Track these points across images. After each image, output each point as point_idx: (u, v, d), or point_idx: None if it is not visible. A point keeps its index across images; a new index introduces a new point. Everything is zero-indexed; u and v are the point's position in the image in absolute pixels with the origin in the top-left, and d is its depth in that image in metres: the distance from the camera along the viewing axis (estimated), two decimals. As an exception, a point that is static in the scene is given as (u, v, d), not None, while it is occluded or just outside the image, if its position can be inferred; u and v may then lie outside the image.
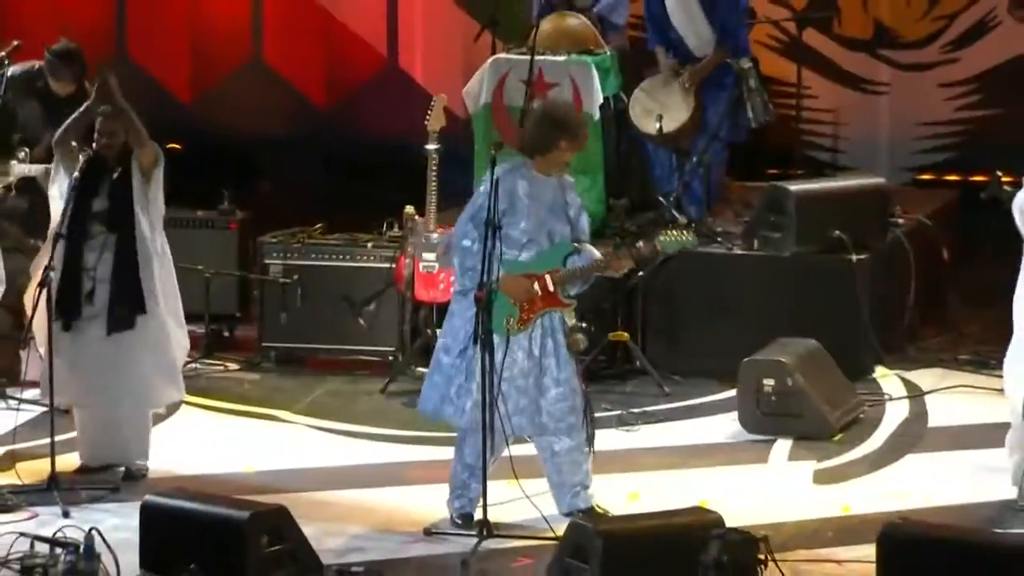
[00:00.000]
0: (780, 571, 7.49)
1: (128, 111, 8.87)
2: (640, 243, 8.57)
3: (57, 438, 8.76)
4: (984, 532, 7.96)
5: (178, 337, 9.14)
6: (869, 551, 7.50)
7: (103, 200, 8.96)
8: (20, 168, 10.05)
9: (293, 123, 13.88)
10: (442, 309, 10.30)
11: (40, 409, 9.41)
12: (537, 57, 10.53)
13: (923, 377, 10.38)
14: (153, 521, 7.79)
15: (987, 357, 10.13)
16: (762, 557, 7.43)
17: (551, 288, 8.25)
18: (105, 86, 8.88)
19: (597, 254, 8.34)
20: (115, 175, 8.94)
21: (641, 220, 10.90)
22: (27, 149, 10.02)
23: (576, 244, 8.33)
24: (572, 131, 8.36)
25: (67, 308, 8.93)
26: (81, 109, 8.98)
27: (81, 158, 8.90)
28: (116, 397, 9.02)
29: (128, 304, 8.92)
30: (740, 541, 7.41)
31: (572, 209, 8.39)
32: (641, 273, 10.39)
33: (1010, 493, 8.49)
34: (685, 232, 8.55)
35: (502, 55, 10.93)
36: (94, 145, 8.92)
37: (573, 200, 8.41)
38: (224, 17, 14.04)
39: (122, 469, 9.04)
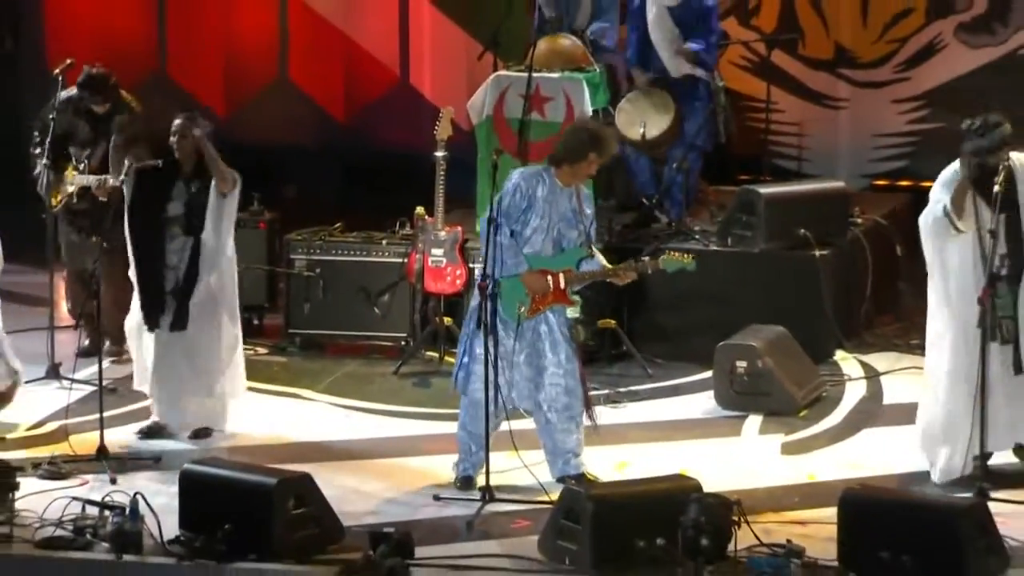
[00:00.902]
0: (752, 531, 7.51)
1: (216, 157, 8.98)
2: (645, 259, 8.72)
3: (105, 414, 8.80)
4: (932, 496, 8.01)
5: (237, 340, 9.25)
6: (831, 513, 7.55)
7: (179, 206, 9.04)
8: (80, 178, 10.09)
9: (315, 135, 13.86)
10: (449, 300, 10.40)
11: (90, 388, 9.41)
12: (534, 74, 10.47)
13: (879, 360, 10.36)
14: (191, 487, 7.84)
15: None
16: (736, 518, 7.48)
17: (562, 286, 8.34)
18: (194, 141, 8.99)
19: (605, 262, 8.45)
20: (193, 188, 9.02)
21: (626, 219, 10.86)
22: (86, 160, 10.04)
23: (591, 250, 8.39)
24: (602, 146, 8.41)
25: (151, 307, 9.03)
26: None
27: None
28: (185, 388, 9.11)
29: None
30: (716, 504, 7.45)
31: (586, 219, 8.43)
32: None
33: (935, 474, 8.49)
34: (687, 256, 8.57)
35: (503, 72, 10.87)
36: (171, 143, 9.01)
37: (587, 211, 8.45)
38: (254, 40, 14.03)
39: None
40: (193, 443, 9.06)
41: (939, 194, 8.40)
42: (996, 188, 8.16)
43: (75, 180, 10.12)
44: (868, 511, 7.43)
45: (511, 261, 8.28)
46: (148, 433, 9.15)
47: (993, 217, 8.21)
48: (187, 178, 9.04)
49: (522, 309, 8.28)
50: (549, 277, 8.30)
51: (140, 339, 9.18)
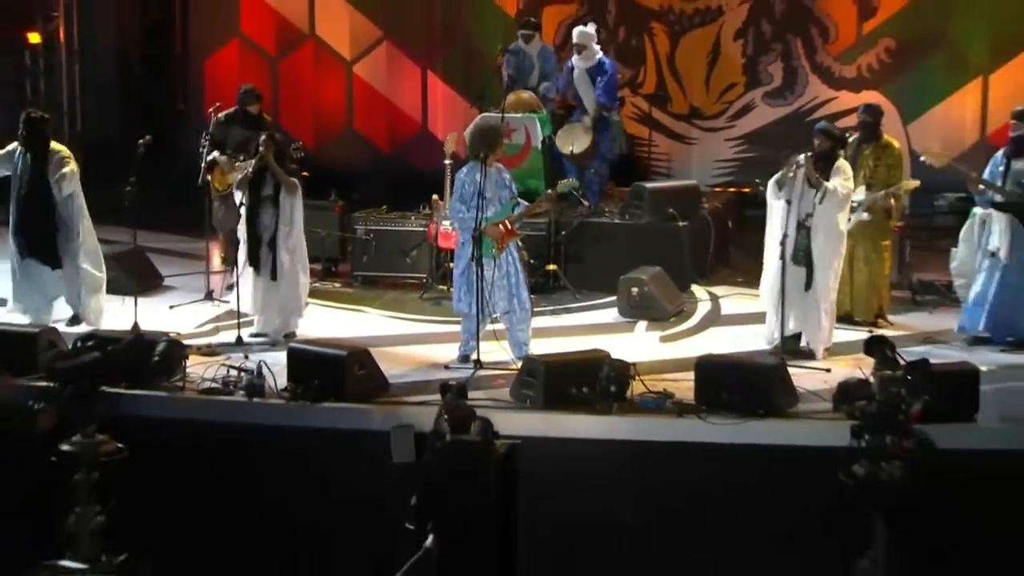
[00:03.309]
0: (643, 383, 7.51)
1: (280, 172, 8.78)
2: (548, 190, 8.72)
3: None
4: (752, 359, 7.93)
5: (304, 280, 9.02)
6: (691, 375, 7.49)
7: (269, 188, 8.83)
8: (241, 165, 9.73)
9: (370, 161, 13.71)
10: (453, 252, 10.23)
11: (230, 305, 9.23)
12: (505, 115, 10.35)
13: (718, 290, 10.24)
14: (294, 357, 7.78)
15: (749, 280, 10.00)
16: (632, 376, 7.46)
17: (510, 227, 8.24)
18: (268, 157, 8.78)
19: (528, 203, 8.38)
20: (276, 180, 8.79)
21: (563, 205, 10.71)
22: (243, 155, 9.70)
23: (516, 201, 8.31)
24: (503, 132, 8.52)
25: (254, 253, 8.81)
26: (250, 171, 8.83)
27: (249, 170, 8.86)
28: (276, 311, 8.90)
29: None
30: (620, 366, 7.46)
31: (508, 182, 8.32)
32: (564, 232, 10.34)
33: (767, 345, 8.47)
34: (571, 179, 8.96)
35: (486, 114, 10.75)
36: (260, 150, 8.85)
37: (508, 179, 8.36)
38: (331, 103, 13.91)
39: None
40: (285, 339, 8.77)
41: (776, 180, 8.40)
42: (791, 174, 8.18)
43: (236, 167, 9.85)
44: (713, 370, 7.44)
45: (465, 229, 8.24)
46: (255, 335, 8.89)
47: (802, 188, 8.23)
48: (273, 173, 8.83)
49: (493, 250, 8.21)
50: (500, 226, 8.20)
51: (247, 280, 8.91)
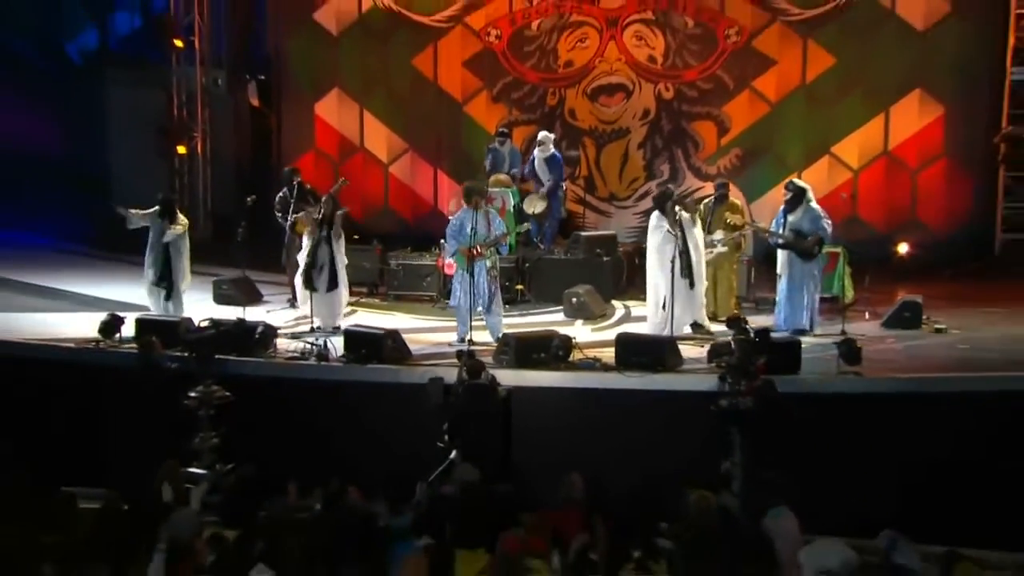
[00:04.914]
0: (582, 352, 7.41)
1: (336, 221, 8.76)
2: (506, 231, 8.51)
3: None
4: (653, 336, 7.86)
5: (344, 293, 8.94)
6: (612, 348, 7.42)
7: (326, 229, 8.76)
8: (307, 217, 9.46)
9: (399, 228, 13.47)
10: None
11: (306, 311, 9.00)
12: (490, 189, 10.28)
13: (629, 302, 10.12)
14: (349, 336, 7.67)
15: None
16: (574, 346, 7.36)
17: (479, 250, 8.12)
18: (328, 210, 8.75)
19: (495, 237, 8.24)
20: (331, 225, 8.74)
21: (529, 248, 10.68)
22: (308, 210, 9.47)
23: (487, 235, 8.20)
24: (479, 190, 8.36)
25: (309, 275, 8.70)
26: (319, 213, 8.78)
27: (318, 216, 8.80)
28: (328, 312, 8.72)
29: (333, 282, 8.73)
30: (566, 339, 7.43)
31: (492, 220, 8.24)
32: (528, 264, 10.29)
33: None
34: (526, 224, 9.12)
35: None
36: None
37: (493, 217, 8.27)
38: (373, 191, 13.77)
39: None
40: (334, 330, 8.58)
41: (655, 221, 8.40)
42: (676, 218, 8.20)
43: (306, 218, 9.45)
44: (627, 342, 7.42)
45: (451, 249, 8.21)
46: (313, 328, 8.66)
47: (678, 231, 8.23)
48: (329, 219, 8.81)
49: (467, 263, 8.13)
50: (470, 249, 8.12)
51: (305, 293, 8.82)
